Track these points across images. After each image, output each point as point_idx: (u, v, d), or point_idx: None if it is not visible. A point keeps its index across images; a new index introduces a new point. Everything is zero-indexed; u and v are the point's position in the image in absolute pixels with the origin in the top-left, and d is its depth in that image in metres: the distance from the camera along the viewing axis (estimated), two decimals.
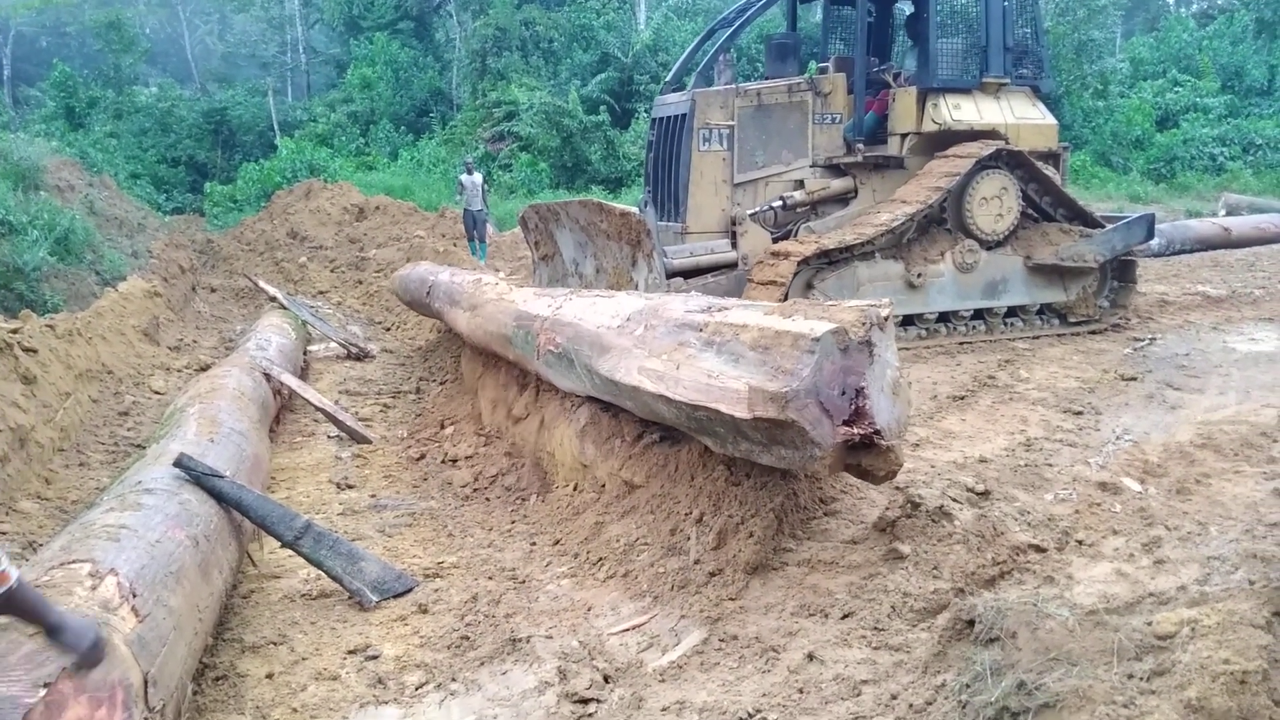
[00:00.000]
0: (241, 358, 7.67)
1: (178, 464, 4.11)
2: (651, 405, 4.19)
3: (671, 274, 8.00)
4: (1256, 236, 15.72)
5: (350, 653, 3.75)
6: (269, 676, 3.56)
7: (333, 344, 10.64)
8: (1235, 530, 4.15)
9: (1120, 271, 9.50)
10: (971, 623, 2.75)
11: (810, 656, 3.25)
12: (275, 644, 3.83)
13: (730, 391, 3.54)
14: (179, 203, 24.88)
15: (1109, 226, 9.23)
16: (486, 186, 16.53)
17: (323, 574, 4.29)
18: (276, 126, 28.80)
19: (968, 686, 2.53)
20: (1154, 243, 12.62)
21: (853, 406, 3.42)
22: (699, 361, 3.83)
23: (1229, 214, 17.51)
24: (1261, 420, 5.87)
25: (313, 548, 4.24)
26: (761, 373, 3.47)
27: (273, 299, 11.88)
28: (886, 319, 3.53)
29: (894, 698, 2.88)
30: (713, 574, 3.88)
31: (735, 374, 3.58)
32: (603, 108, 24.96)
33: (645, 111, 10.94)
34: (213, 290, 14.33)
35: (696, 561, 3.97)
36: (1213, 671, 2.19)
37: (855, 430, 3.42)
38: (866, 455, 3.55)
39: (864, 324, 3.43)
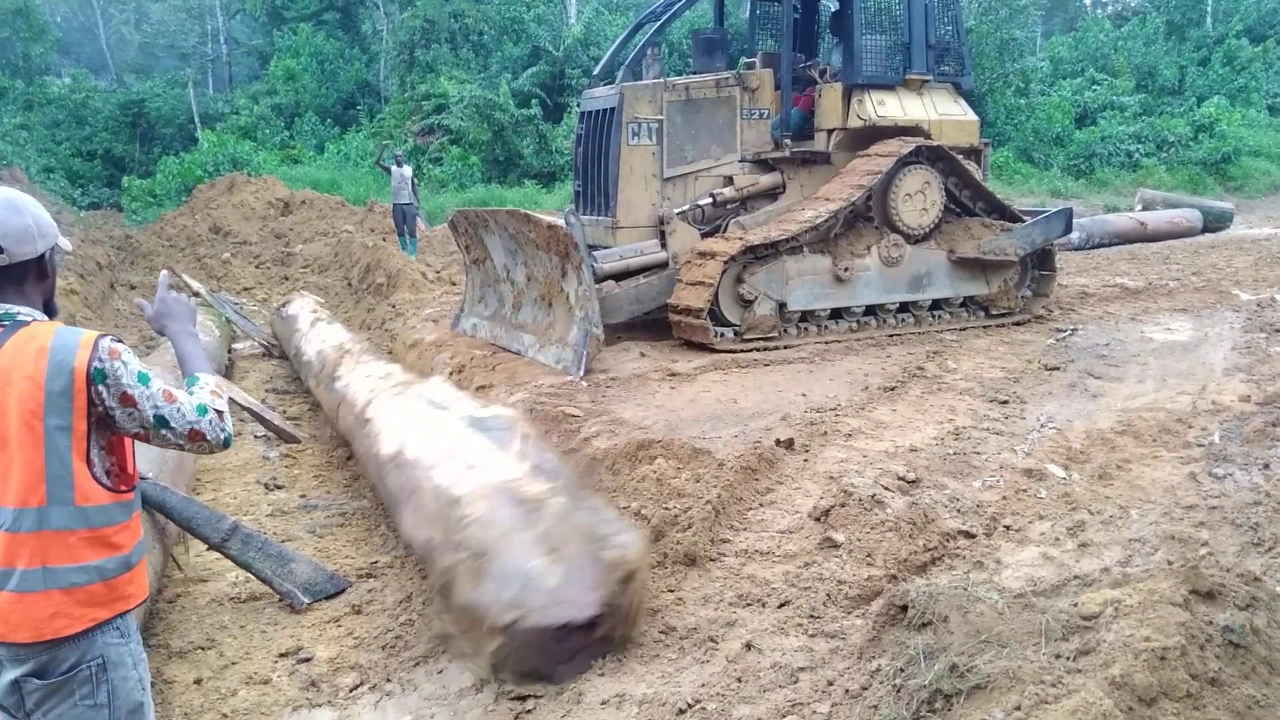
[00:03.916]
0: (163, 356, 7.45)
1: None
2: None
3: (602, 278, 7.98)
4: (1170, 230, 16.37)
5: (282, 656, 3.68)
6: (197, 682, 3.48)
7: (258, 342, 10.40)
8: (1154, 513, 4.29)
9: (1041, 263, 9.73)
10: (905, 608, 2.80)
11: (748, 646, 3.28)
12: (203, 649, 3.74)
13: None
14: (95, 197, 23.98)
15: (1029, 221, 9.44)
16: (415, 180, 16.23)
17: (252, 576, 4.20)
18: (197, 119, 27.96)
19: (902, 670, 2.58)
20: (1074, 236, 13.03)
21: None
22: None
23: (1145, 209, 18.11)
24: (1177, 407, 6.08)
25: (241, 550, 4.15)
26: None
27: (195, 295, 11.56)
28: None
29: (830, 684, 2.92)
30: (652, 566, 3.89)
31: None
32: (534, 101, 24.76)
33: (577, 105, 10.87)
34: (132, 288, 13.89)
35: None
36: (1135, 649, 2.27)
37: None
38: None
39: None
